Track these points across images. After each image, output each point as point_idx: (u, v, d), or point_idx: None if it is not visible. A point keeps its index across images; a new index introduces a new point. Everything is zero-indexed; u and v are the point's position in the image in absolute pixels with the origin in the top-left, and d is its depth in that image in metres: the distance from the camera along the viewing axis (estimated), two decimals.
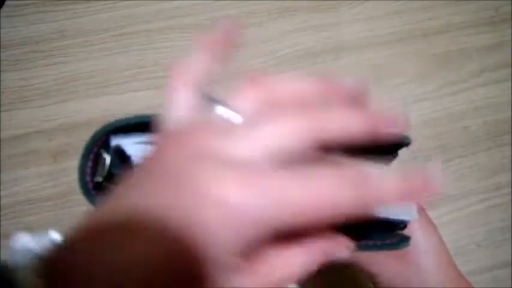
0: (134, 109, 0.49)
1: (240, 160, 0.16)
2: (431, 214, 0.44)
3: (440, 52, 0.52)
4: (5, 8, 0.54)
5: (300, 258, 0.19)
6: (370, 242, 0.26)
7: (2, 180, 0.45)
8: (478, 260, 0.43)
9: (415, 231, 0.29)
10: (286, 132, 0.17)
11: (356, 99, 0.22)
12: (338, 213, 0.17)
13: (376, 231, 0.27)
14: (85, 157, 0.23)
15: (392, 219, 0.26)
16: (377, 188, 0.17)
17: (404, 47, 0.53)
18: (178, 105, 0.20)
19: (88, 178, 0.23)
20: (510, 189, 0.46)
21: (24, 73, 0.50)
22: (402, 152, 0.48)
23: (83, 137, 0.50)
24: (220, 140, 0.17)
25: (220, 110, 0.18)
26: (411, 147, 0.48)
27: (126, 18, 0.53)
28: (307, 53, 0.52)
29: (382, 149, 0.22)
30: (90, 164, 0.23)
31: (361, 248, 0.25)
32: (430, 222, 0.31)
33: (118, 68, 0.51)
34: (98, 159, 0.23)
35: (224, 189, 0.16)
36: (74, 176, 0.45)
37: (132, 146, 0.24)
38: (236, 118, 0.18)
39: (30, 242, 0.19)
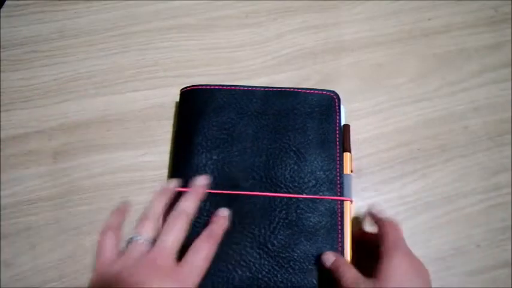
0: (134, 109, 0.49)
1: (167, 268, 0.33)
2: (432, 214, 0.45)
3: (440, 52, 0.53)
4: (5, 8, 0.54)
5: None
6: None
7: (2, 180, 0.45)
8: (478, 260, 0.43)
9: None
10: (176, 233, 0.35)
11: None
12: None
13: None
14: None
15: None
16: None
17: (404, 47, 0.53)
18: (105, 248, 0.35)
19: None
20: (510, 189, 0.46)
21: (24, 73, 0.50)
22: (402, 153, 0.48)
23: (83, 137, 0.51)
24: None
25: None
26: (411, 147, 0.48)
27: (126, 18, 0.53)
28: (307, 53, 0.52)
29: None
30: None
31: None
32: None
33: (118, 68, 0.51)
34: None
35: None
36: (74, 176, 0.46)
37: None
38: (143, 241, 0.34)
39: None
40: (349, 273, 0.36)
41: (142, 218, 0.36)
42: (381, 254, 0.35)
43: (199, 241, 0.35)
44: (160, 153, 0.47)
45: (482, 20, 0.54)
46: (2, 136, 0.47)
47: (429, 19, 0.54)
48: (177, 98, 0.48)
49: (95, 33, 0.52)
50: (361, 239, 0.41)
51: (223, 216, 0.39)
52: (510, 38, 0.53)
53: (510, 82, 0.51)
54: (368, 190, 0.46)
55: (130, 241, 0.35)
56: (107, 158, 0.46)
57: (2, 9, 0.54)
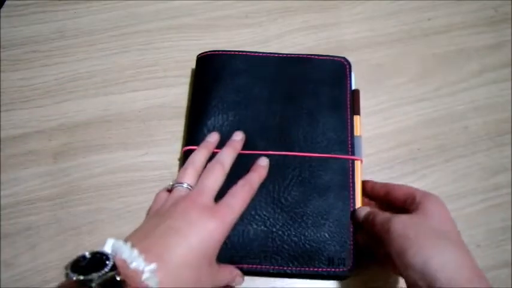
0: (134, 109, 0.49)
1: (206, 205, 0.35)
2: None
3: (440, 52, 0.53)
4: (5, 8, 0.54)
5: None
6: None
7: (2, 180, 0.45)
8: (478, 260, 0.43)
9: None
10: (213, 179, 0.37)
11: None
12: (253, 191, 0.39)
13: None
14: None
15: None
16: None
17: (404, 47, 0.53)
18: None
19: None
20: (510, 189, 0.46)
21: (24, 73, 0.50)
22: (402, 153, 0.48)
23: (83, 137, 0.51)
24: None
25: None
26: (411, 146, 0.48)
27: (126, 18, 0.53)
28: (307, 53, 0.52)
29: None
30: None
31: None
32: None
33: (118, 68, 0.51)
34: None
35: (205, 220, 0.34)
36: (74, 176, 0.46)
37: None
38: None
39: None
40: (383, 215, 0.37)
41: (184, 168, 0.39)
42: (416, 198, 0.36)
43: (236, 186, 0.38)
44: (160, 153, 0.47)
45: (482, 20, 0.54)
46: (2, 136, 0.47)
47: (429, 19, 0.54)
48: (178, 98, 0.49)
49: (95, 33, 0.52)
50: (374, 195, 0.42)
51: (262, 166, 0.41)
52: (510, 38, 0.53)
53: (510, 82, 0.51)
54: None
55: (172, 188, 0.38)
56: (107, 158, 0.46)
57: (2, 9, 0.54)
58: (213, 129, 0.44)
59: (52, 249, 0.43)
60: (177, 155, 0.47)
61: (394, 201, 0.39)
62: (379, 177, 0.46)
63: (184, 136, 0.47)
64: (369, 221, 0.38)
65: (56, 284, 0.37)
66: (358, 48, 0.52)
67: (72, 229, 0.43)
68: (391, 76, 0.51)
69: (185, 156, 0.43)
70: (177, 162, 0.46)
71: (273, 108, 0.45)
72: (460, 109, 0.50)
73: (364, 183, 0.43)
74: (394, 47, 0.53)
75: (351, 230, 0.41)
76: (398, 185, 0.40)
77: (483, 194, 0.46)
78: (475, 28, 0.54)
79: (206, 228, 0.33)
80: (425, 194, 0.37)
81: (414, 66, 0.52)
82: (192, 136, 0.44)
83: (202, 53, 0.48)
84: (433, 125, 0.49)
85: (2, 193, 0.45)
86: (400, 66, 0.52)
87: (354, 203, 0.42)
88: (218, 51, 0.48)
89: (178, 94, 0.49)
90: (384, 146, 0.48)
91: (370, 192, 0.42)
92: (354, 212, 0.41)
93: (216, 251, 0.34)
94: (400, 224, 0.34)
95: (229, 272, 0.38)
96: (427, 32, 0.54)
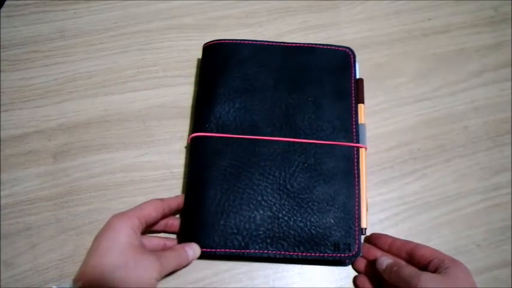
0: (134, 109, 0.49)
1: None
2: (432, 214, 0.45)
3: (440, 52, 0.53)
4: (5, 8, 0.54)
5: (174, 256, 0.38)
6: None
7: (2, 180, 0.45)
8: (478, 260, 0.43)
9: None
10: None
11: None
12: None
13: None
14: None
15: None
16: None
17: (404, 47, 0.53)
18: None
19: None
20: (510, 189, 0.46)
21: (24, 73, 0.50)
22: (402, 153, 0.48)
23: (83, 137, 0.51)
24: None
25: None
26: (411, 146, 0.48)
27: (126, 18, 0.53)
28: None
29: None
30: None
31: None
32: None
33: (118, 68, 0.51)
34: None
35: None
36: (74, 176, 0.46)
37: None
38: None
39: None
40: (410, 269, 0.36)
41: None
42: (445, 261, 0.36)
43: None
44: (160, 153, 0.47)
45: (482, 20, 0.54)
46: (2, 136, 0.47)
47: (429, 19, 0.54)
48: (178, 98, 0.49)
49: (95, 33, 0.52)
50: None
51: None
52: (510, 38, 0.53)
53: (510, 82, 0.51)
54: (368, 190, 0.45)
55: None
56: (107, 158, 0.46)
57: (2, 9, 0.54)
58: (220, 116, 0.45)
59: (52, 249, 0.43)
60: (177, 154, 0.47)
61: (418, 260, 0.38)
62: (379, 177, 0.46)
63: (190, 123, 0.48)
64: (391, 272, 0.37)
65: (56, 284, 0.37)
66: (358, 48, 0.52)
67: (72, 229, 0.43)
68: (391, 76, 0.51)
69: (192, 144, 0.44)
70: (177, 162, 0.46)
71: (278, 96, 0.46)
72: (460, 109, 0.50)
73: (378, 237, 0.42)
74: (394, 47, 0.53)
75: (356, 215, 0.41)
76: (423, 245, 0.39)
77: (483, 194, 0.46)
78: (475, 28, 0.54)
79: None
80: (454, 260, 0.37)
81: (414, 66, 0.52)
82: (199, 123, 0.45)
83: (208, 42, 0.49)
84: (433, 125, 0.49)
85: (2, 193, 0.45)
86: (400, 66, 0.52)
87: (358, 189, 0.43)
88: (225, 40, 0.48)
89: (178, 94, 0.49)
90: (383, 146, 0.48)
91: (388, 247, 0.41)
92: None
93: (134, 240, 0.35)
94: (431, 283, 0.34)
95: (176, 253, 0.38)
96: (427, 32, 0.54)
